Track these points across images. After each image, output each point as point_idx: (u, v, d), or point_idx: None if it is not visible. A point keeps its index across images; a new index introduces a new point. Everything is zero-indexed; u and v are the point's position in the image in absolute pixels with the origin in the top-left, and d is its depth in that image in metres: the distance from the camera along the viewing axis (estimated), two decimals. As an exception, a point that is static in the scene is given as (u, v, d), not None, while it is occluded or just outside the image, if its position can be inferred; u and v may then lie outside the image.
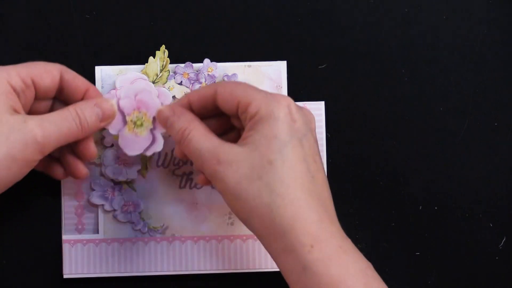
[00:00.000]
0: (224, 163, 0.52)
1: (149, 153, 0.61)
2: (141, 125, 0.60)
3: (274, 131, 0.52)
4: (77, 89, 0.58)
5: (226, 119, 0.58)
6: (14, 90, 0.55)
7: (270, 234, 0.51)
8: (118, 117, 0.60)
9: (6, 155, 0.52)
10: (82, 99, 0.58)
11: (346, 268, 0.50)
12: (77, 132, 0.56)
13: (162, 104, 0.60)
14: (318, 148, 0.54)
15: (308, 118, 0.55)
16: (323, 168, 0.55)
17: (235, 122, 0.57)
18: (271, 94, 0.54)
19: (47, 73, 0.57)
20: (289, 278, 0.52)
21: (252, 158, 0.52)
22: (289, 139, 0.52)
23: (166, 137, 0.60)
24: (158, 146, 0.61)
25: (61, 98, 0.59)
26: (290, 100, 0.54)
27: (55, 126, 0.54)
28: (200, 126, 0.55)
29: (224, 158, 0.52)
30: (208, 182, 0.57)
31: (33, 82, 0.56)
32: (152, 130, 0.60)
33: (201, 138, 0.54)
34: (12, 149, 0.52)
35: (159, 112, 0.58)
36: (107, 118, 0.58)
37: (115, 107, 0.58)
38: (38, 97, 0.58)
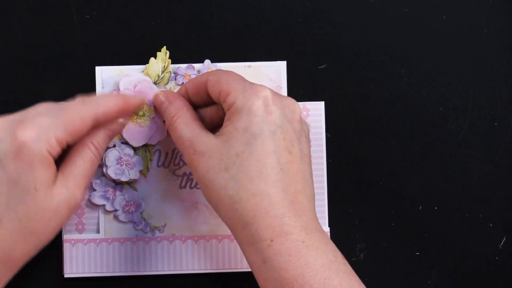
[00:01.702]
0: (199, 153, 0.53)
1: (153, 142, 0.62)
2: (143, 115, 0.61)
3: (245, 124, 0.52)
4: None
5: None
6: (54, 158, 0.53)
7: (234, 225, 0.52)
8: None
9: (58, 226, 0.54)
10: None
11: (306, 263, 0.50)
12: (97, 164, 0.56)
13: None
14: (301, 139, 0.54)
15: (290, 108, 0.55)
16: (305, 160, 0.54)
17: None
18: (251, 85, 0.54)
19: (82, 125, 0.54)
20: (252, 269, 0.53)
21: (223, 149, 0.52)
22: (259, 131, 0.52)
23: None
24: (162, 134, 0.61)
25: None
26: (269, 91, 0.54)
27: (84, 177, 0.55)
28: (187, 113, 0.56)
29: (199, 148, 0.53)
30: None
31: (67, 143, 0.54)
32: (154, 119, 0.61)
33: (184, 126, 0.55)
34: (62, 220, 0.54)
35: (155, 97, 0.59)
36: (115, 135, 0.59)
37: (124, 122, 0.58)
38: None
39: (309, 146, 0.56)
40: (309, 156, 0.56)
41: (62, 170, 0.54)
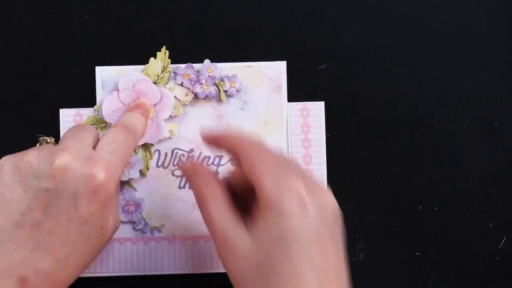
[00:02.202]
0: (230, 248, 0.50)
1: (154, 141, 0.62)
2: None
3: (279, 226, 0.48)
4: None
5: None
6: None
7: None
8: (120, 110, 0.61)
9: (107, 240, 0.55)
10: None
11: None
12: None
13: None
14: (336, 235, 0.51)
15: (324, 203, 0.50)
16: (341, 257, 0.50)
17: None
18: (285, 175, 0.50)
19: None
20: None
21: (255, 250, 0.49)
22: (294, 238, 0.48)
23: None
24: (162, 133, 0.61)
25: None
26: (302, 185, 0.49)
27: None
28: (219, 194, 0.52)
29: (231, 242, 0.50)
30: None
31: None
32: (154, 118, 0.61)
33: (216, 212, 0.51)
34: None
35: (182, 165, 0.56)
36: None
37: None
38: None
39: (343, 237, 0.53)
40: (344, 249, 0.52)
41: None
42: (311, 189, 0.50)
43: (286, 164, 0.51)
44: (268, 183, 0.49)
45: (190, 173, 0.55)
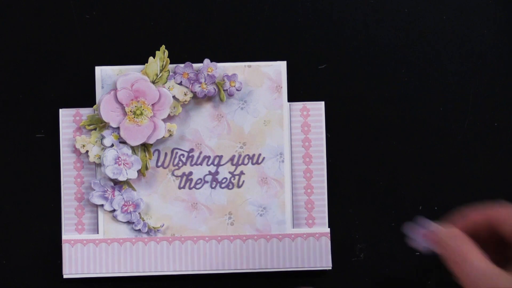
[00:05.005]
0: None
1: (151, 141, 0.62)
2: (141, 114, 0.61)
3: None
4: None
5: (499, 247, 0.55)
6: None
7: None
8: (118, 110, 0.61)
9: None
10: None
11: None
12: None
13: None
14: None
15: None
16: None
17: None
18: None
19: None
20: None
21: None
22: None
23: None
24: (160, 133, 0.61)
25: None
26: None
27: None
28: (477, 250, 0.52)
29: (502, 285, 0.49)
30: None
31: None
32: (152, 118, 0.61)
33: (478, 261, 0.51)
34: None
35: (439, 235, 0.54)
36: None
37: None
38: None
39: None
40: None
41: None
42: None
43: None
44: None
45: (452, 238, 0.53)
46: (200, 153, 0.64)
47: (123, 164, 0.62)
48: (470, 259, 0.51)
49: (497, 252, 0.54)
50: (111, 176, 0.62)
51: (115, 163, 0.62)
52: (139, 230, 0.63)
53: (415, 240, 0.56)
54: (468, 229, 0.54)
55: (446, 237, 0.53)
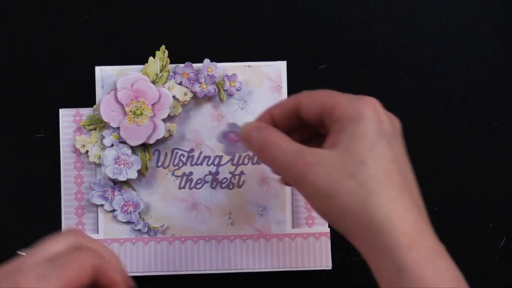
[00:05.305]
0: (313, 163, 0.50)
1: (151, 141, 0.62)
2: (141, 114, 0.61)
3: (364, 131, 0.50)
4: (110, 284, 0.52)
5: (309, 131, 0.57)
6: None
7: (364, 232, 0.49)
8: (118, 110, 0.61)
9: None
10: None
11: (441, 273, 0.48)
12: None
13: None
14: (405, 151, 0.53)
15: (394, 121, 0.53)
16: (411, 170, 0.53)
17: (322, 131, 0.56)
18: (356, 96, 0.53)
19: (78, 281, 0.50)
20: (380, 278, 0.50)
21: (343, 158, 0.50)
22: (379, 138, 0.50)
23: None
24: (160, 133, 0.61)
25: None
26: (376, 101, 0.52)
27: None
28: (283, 135, 0.53)
29: (312, 159, 0.50)
30: (288, 183, 0.56)
31: None
32: (152, 118, 0.61)
33: (285, 143, 0.52)
34: None
35: (242, 129, 0.55)
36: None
37: None
38: None
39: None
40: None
41: None
42: (382, 107, 0.53)
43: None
44: (345, 104, 0.51)
45: (252, 132, 0.54)
46: (200, 153, 0.64)
47: (123, 164, 0.62)
48: (277, 142, 0.52)
49: (304, 135, 0.56)
50: (111, 176, 0.62)
51: (115, 163, 0.62)
52: (139, 230, 0.63)
53: (227, 146, 0.56)
54: (276, 122, 0.55)
55: (250, 130, 0.54)
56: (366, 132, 0.50)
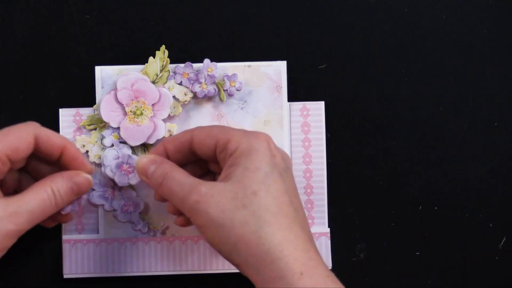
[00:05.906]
0: (207, 194, 0.52)
1: (152, 141, 0.62)
2: (141, 114, 0.61)
3: (256, 164, 0.52)
4: (53, 148, 0.56)
5: (202, 165, 0.59)
6: None
7: (258, 262, 0.51)
8: (118, 110, 0.61)
9: None
10: (59, 157, 0.57)
11: None
12: (51, 210, 0.55)
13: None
14: (296, 186, 0.55)
15: (286, 156, 0.56)
16: (301, 203, 0.55)
17: (212, 166, 0.58)
18: (249, 131, 0.55)
19: (21, 143, 0.54)
20: None
21: (236, 189, 0.52)
22: (271, 171, 0.53)
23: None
24: (160, 133, 0.62)
25: (37, 156, 0.57)
26: (269, 136, 0.54)
27: (29, 213, 0.53)
28: (180, 169, 0.55)
29: (206, 190, 0.52)
30: (186, 223, 0.57)
31: (8, 158, 0.54)
32: (152, 118, 0.61)
33: (182, 176, 0.54)
34: None
35: (138, 163, 0.57)
36: (82, 192, 0.57)
37: (90, 179, 0.57)
38: (10, 169, 0.56)
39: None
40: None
41: (7, 198, 0.53)
42: (274, 143, 0.55)
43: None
44: (238, 138, 0.54)
45: (150, 167, 0.56)
46: (200, 153, 0.64)
47: (126, 171, 0.62)
48: (173, 176, 0.54)
49: (198, 170, 0.59)
50: (111, 176, 0.62)
51: (120, 170, 0.61)
52: (139, 230, 0.63)
53: (120, 177, 0.60)
54: (169, 155, 0.57)
55: (148, 164, 0.56)
56: (258, 164, 0.52)
